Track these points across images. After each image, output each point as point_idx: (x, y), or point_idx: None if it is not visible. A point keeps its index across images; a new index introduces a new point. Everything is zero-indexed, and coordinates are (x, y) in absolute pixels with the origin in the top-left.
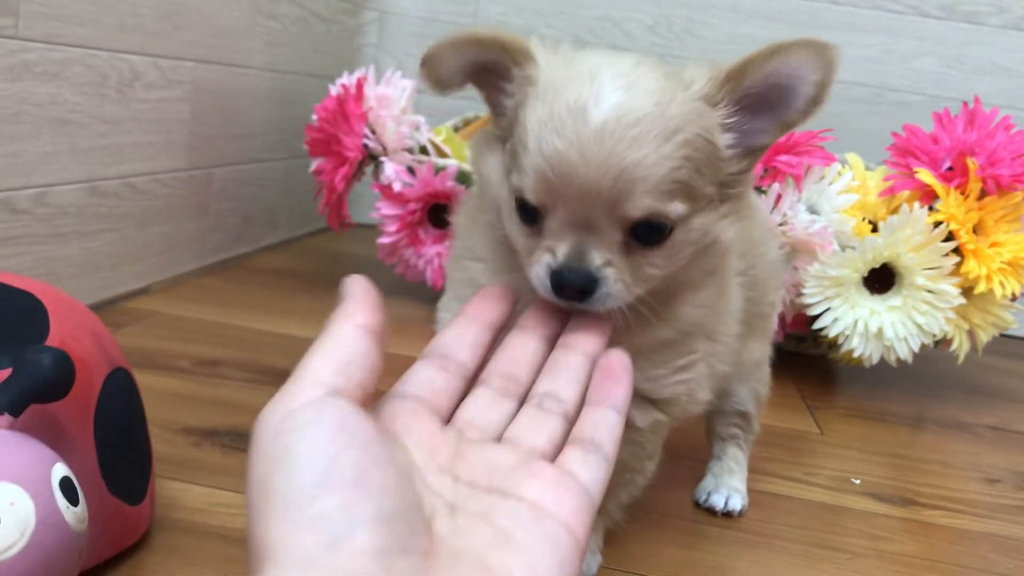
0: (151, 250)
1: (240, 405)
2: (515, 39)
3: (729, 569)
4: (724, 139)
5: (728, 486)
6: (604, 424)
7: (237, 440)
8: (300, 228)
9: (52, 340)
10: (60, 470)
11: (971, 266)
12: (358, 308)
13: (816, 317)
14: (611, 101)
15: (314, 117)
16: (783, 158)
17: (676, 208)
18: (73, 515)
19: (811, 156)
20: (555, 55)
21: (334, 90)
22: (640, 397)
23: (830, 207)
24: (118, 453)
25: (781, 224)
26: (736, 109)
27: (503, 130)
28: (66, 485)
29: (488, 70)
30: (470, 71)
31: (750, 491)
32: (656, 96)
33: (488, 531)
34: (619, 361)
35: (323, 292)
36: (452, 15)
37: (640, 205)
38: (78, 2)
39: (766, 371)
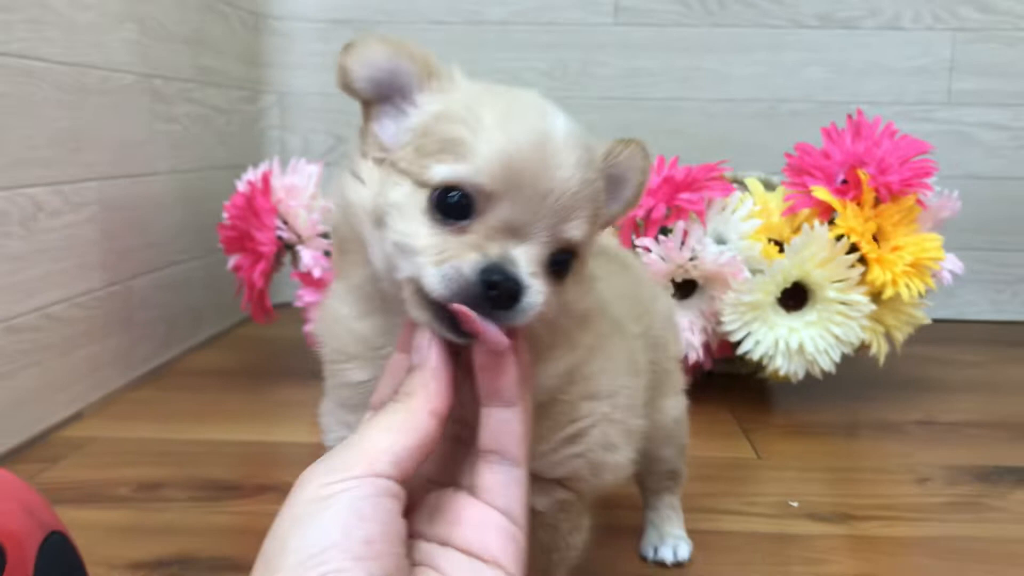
0: (78, 374)
1: (184, 528)
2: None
3: None
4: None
5: (672, 536)
6: (503, 429)
7: (184, 568)
8: (225, 321)
9: None
10: None
11: (876, 274)
12: (439, 390)
13: (739, 342)
14: (564, 121)
15: (225, 215)
16: (684, 196)
17: (584, 243)
18: None
19: (711, 190)
20: (474, 83)
21: (241, 186)
22: (535, 478)
23: (736, 235)
24: None
25: (692, 259)
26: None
27: (393, 139)
28: None
29: (393, 89)
30: (382, 79)
31: (694, 532)
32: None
33: None
34: (495, 349)
35: (257, 385)
36: None
37: (582, 228)
38: None
39: (686, 423)
